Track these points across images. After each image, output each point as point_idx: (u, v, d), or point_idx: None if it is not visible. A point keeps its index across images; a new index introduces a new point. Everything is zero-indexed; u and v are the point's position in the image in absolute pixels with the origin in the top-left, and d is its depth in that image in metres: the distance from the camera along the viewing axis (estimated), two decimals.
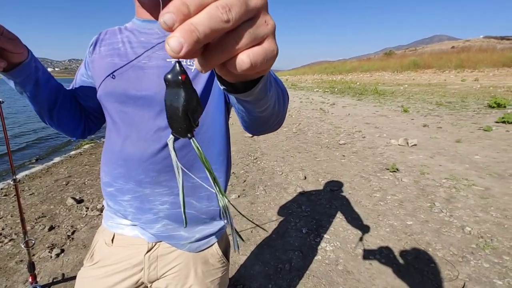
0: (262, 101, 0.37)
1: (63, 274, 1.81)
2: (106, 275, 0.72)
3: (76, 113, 0.75)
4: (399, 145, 4.41)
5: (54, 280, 1.76)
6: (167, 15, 0.19)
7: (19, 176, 4.36)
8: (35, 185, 3.76)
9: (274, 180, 3.35)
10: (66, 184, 3.67)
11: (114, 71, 0.64)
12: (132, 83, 0.63)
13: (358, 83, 20.10)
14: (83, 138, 0.84)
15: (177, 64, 0.24)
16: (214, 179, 0.29)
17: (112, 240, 0.74)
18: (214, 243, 0.75)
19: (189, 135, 0.26)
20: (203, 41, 0.19)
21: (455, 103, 8.40)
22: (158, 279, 0.72)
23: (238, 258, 1.94)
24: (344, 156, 4.11)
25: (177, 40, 0.19)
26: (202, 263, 0.73)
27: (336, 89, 16.37)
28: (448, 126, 5.57)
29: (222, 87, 0.31)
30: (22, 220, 0.87)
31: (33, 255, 2.09)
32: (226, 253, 0.80)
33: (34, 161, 5.24)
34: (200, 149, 0.28)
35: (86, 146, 6.07)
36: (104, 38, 0.71)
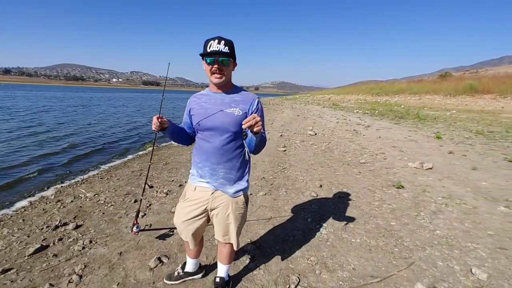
0: (258, 139, 1.38)
1: (150, 225, 2.89)
2: (190, 204, 1.67)
3: (187, 137, 1.73)
4: (414, 167, 4.88)
5: (146, 228, 2.83)
6: (245, 119, 1.31)
7: (104, 167, 5.86)
8: (119, 173, 5.12)
9: (295, 185, 4.16)
10: (140, 175, 4.94)
11: (199, 114, 1.61)
12: (210, 120, 1.58)
13: (402, 106, 19.66)
14: (188, 145, 1.83)
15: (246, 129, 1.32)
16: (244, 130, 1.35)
17: (195, 189, 1.69)
18: (241, 195, 1.66)
19: (244, 132, 1.41)
20: (249, 126, 1.29)
21: (497, 133, 8.23)
22: (214, 208, 1.65)
23: (259, 230, 2.81)
24: (360, 172, 4.75)
25: (244, 125, 1.25)
26: (235, 203, 1.65)
27: (376, 111, 16.41)
28: (474, 154, 5.78)
29: (251, 134, 1.34)
30: (145, 184, 1.88)
31: (128, 214, 3.23)
32: (246, 202, 1.71)
33: (116, 156, 6.80)
34: (246, 132, 1.40)
35: (150, 148, 7.54)
36: (195, 99, 1.68)
